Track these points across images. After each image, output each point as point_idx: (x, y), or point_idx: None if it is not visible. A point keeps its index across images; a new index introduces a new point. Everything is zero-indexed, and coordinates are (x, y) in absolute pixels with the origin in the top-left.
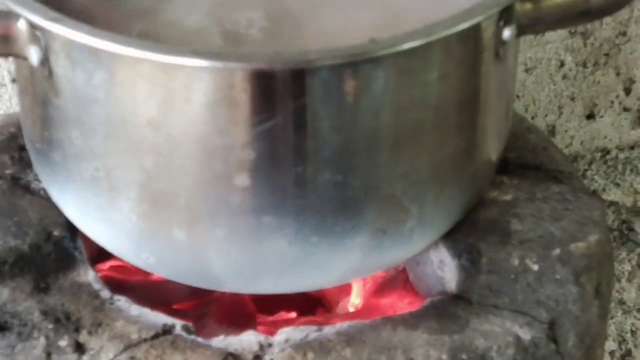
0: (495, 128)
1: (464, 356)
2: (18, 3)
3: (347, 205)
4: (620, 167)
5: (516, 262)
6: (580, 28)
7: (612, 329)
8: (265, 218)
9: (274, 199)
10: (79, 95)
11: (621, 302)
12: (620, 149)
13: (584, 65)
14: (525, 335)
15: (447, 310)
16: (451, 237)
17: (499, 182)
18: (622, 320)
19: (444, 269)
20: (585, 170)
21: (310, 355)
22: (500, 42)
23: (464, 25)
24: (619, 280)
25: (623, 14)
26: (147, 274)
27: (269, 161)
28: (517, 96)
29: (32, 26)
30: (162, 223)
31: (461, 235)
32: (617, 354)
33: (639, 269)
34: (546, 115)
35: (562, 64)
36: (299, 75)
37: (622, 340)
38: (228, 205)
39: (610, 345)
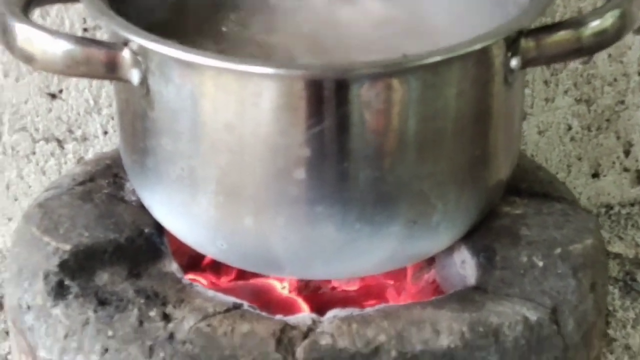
0: (505, 144)
1: (480, 329)
2: (128, 30)
3: (384, 198)
4: (622, 222)
5: (525, 259)
6: (585, 96)
7: None
8: (317, 207)
9: (325, 191)
10: (170, 106)
11: (627, 347)
12: (622, 205)
13: (589, 129)
14: (532, 316)
15: (467, 297)
16: (471, 240)
17: (512, 201)
18: None
19: (465, 267)
20: None
21: (354, 325)
22: (508, 70)
23: (478, 46)
24: (624, 327)
25: (621, 84)
26: (214, 283)
27: (321, 158)
28: (532, 155)
29: (134, 52)
30: (234, 213)
31: (479, 238)
32: None
33: None
34: (557, 173)
35: (569, 128)
36: (344, 84)
37: None
38: (287, 196)
39: None
